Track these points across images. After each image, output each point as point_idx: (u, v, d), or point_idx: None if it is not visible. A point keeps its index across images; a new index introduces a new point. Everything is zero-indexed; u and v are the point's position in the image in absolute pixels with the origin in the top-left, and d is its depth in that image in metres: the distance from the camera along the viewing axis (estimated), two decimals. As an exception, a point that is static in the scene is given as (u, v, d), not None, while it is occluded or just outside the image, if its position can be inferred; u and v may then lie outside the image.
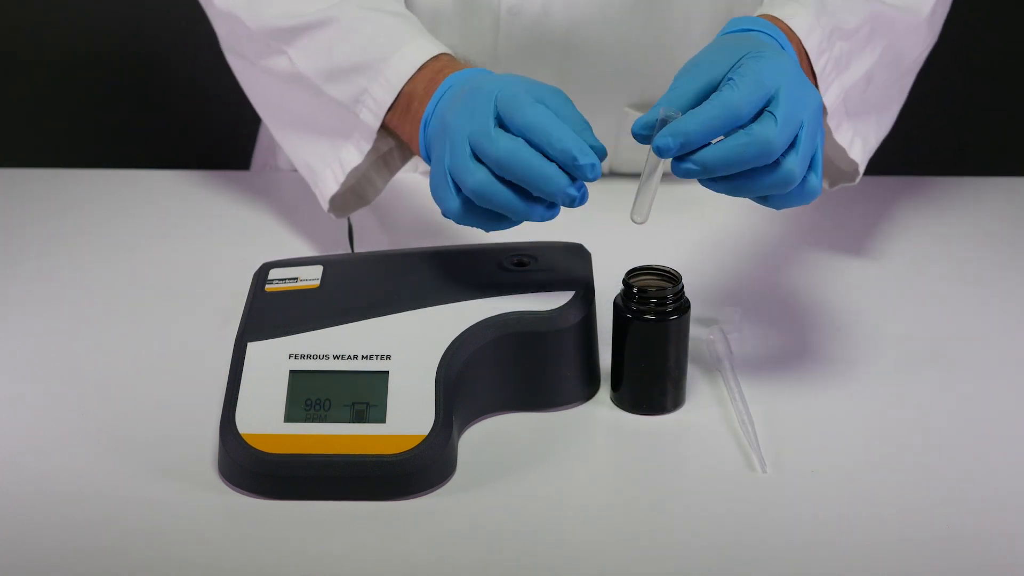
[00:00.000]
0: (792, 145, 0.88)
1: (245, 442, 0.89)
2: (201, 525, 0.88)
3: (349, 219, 1.15)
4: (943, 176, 1.32)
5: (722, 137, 0.87)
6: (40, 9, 1.93)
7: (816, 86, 1.04)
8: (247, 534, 0.87)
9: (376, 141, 1.08)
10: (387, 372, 0.92)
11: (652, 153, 0.88)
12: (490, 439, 0.95)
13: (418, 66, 1.04)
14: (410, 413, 0.90)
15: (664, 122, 0.88)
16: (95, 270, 1.16)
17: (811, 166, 0.90)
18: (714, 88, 0.89)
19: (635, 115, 1.24)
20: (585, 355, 0.97)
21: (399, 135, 1.06)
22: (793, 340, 1.06)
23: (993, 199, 1.28)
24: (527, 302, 0.96)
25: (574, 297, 0.96)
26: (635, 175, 1.29)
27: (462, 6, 1.20)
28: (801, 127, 0.88)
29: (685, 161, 0.87)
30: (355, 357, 0.93)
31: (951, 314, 1.10)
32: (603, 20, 1.19)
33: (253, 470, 0.89)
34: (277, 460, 0.89)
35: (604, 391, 0.99)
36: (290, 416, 0.90)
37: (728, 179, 0.89)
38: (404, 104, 1.04)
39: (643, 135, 0.89)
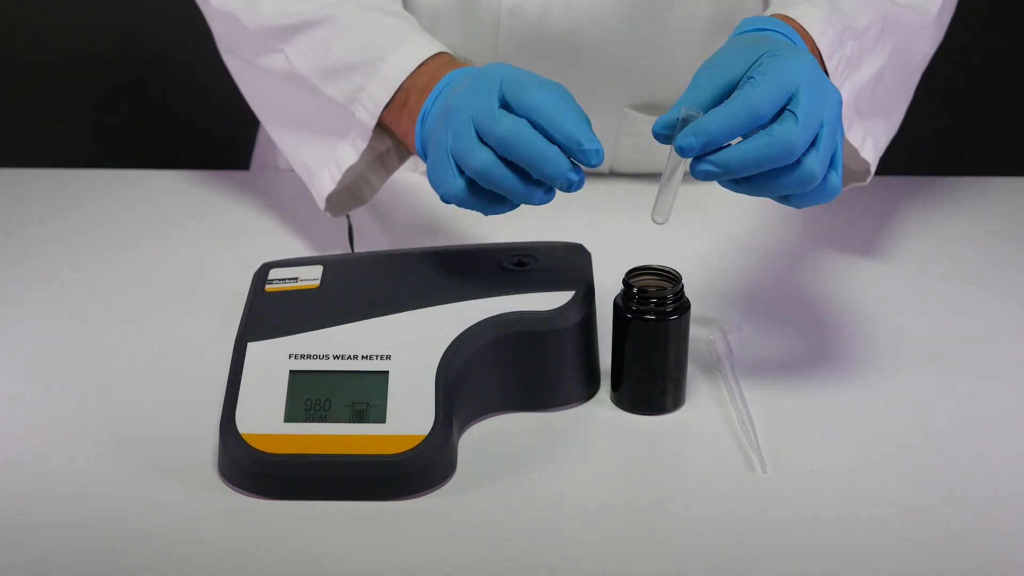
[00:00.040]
0: (813, 144, 0.87)
1: (245, 442, 0.89)
2: (201, 525, 0.88)
3: (349, 219, 1.15)
4: (943, 176, 1.32)
5: (741, 138, 0.87)
6: (40, 9, 1.93)
7: None
8: (247, 534, 0.87)
9: (373, 141, 1.08)
10: (387, 372, 0.92)
11: (674, 153, 0.87)
12: (490, 439, 0.95)
13: (416, 65, 1.04)
14: (410, 413, 0.90)
15: (685, 121, 0.87)
16: (95, 270, 1.16)
17: (831, 164, 0.89)
18: (733, 87, 0.88)
19: (635, 115, 1.25)
20: (585, 355, 0.97)
21: (394, 131, 1.06)
22: (793, 340, 1.06)
23: (993, 199, 1.28)
24: (527, 302, 0.95)
25: (574, 297, 0.96)
26: (635, 175, 1.30)
27: (462, 7, 1.20)
28: (822, 126, 0.87)
29: (705, 163, 0.87)
30: (355, 357, 0.93)
31: (951, 314, 1.10)
32: (603, 21, 1.19)
33: (253, 470, 0.89)
34: (277, 460, 0.89)
35: (604, 391, 0.99)
36: (290, 416, 0.90)
37: (748, 180, 0.88)
38: (402, 99, 1.04)
39: (664, 135, 0.89)
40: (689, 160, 0.87)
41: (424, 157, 0.99)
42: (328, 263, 1.01)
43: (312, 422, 0.90)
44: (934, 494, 0.90)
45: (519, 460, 0.93)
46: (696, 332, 1.01)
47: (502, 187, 0.90)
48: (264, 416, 0.90)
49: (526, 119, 0.89)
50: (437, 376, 0.92)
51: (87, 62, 1.96)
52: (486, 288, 0.96)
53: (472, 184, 0.91)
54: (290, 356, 0.93)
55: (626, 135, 1.26)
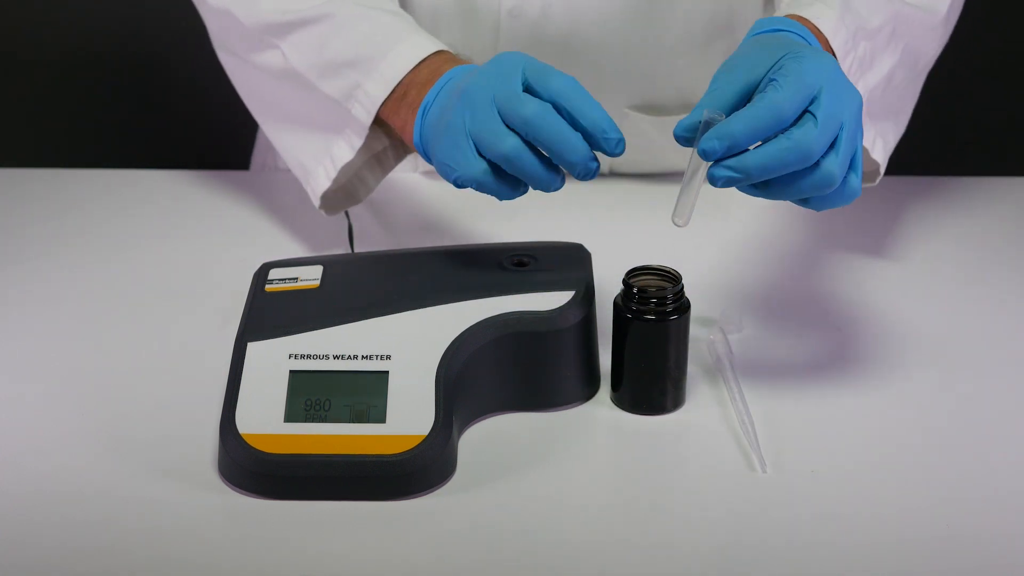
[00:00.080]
0: (832, 146, 0.86)
1: (245, 442, 0.89)
2: (201, 525, 0.88)
3: (349, 219, 1.15)
4: (943, 176, 1.32)
5: (760, 142, 0.86)
6: (40, 9, 1.93)
7: None
8: (247, 534, 0.87)
9: (369, 139, 1.08)
10: (387, 372, 0.92)
11: (695, 155, 0.87)
12: (490, 439, 0.95)
13: (415, 63, 1.03)
14: (410, 413, 0.90)
15: (708, 124, 0.87)
16: (95, 270, 1.16)
17: (851, 166, 0.88)
18: (754, 89, 0.88)
19: (635, 115, 1.24)
20: (585, 355, 0.97)
21: (391, 124, 1.06)
22: (793, 340, 1.06)
23: (993, 199, 1.28)
24: (527, 302, 0.95)
25: (574, 297, 0.96)
26: (635, 175, 1.30)
27: (462, 7, 1.20)
28: (842, 128, 0.86)
29: (723, 168, 0.86)
30: (355, 357, 0.93)
31: (951, 314, 1.10)
32: (603, 21, 1.19)
33: (253, 470, 0.89)
34: (277, 460, 0.89)
35: (604, 391, 0.99)
36: (290, 416, 0.90)
37: (766, 184, 0.88)
38: (400, 93, 1.04)
39: (686, 138, 0.88)
40: (710, 163, 0.87)
41: (421, 150, 0.99)
42: (328, 263, 1.01)
43: (312, 422, 0.90)
44: (934, 494, 0.90)
45: (519, 460, 0.93)
46: (696, 332, 1.01)
47: (526, 172, 0.90)
48: (264, 416, 0.90)
49: (551, 103, 0.89)
50: (437, 376, 0.92)
51: (87, 62, 1.96)
52: (486, 288, 0.96)
53: (494, 168, 0.91)
54: (290, 356, 0.93)
55: (626, 135, 1.25)
